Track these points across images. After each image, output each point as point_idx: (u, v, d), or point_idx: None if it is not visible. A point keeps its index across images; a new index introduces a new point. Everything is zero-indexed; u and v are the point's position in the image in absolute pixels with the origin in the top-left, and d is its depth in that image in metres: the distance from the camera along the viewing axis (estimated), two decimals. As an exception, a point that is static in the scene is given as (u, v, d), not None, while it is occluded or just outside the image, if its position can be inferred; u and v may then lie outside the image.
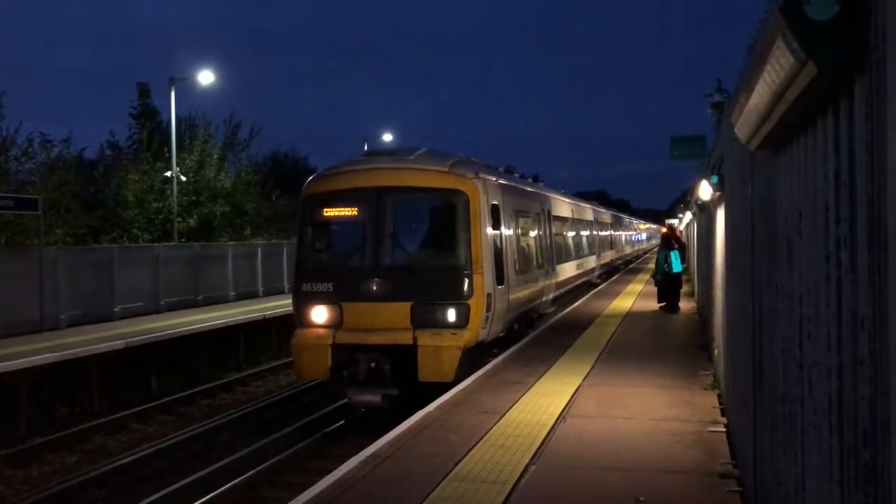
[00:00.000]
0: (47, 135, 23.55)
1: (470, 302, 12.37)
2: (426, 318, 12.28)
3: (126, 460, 11.77)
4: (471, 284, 12.43)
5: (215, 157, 31.59)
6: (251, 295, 26.70)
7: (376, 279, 12.48)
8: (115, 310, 20.51)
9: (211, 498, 9.86)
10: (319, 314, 12.69)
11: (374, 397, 12.21)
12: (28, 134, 23.02)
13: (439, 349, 11.98)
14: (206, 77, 27.78)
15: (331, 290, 12.70)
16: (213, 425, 13.82)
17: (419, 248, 13.18)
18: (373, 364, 12.35)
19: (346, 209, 13.28)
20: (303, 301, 12.91)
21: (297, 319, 13.05)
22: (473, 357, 12.69)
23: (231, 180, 31.94)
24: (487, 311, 12.71)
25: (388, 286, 12.43)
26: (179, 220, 27.87)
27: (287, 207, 33.80)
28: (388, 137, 43.04)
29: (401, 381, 12.25)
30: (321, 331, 12.60)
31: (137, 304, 21.39)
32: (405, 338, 12.13)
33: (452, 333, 12.15)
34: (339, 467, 7.43)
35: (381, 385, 12.28)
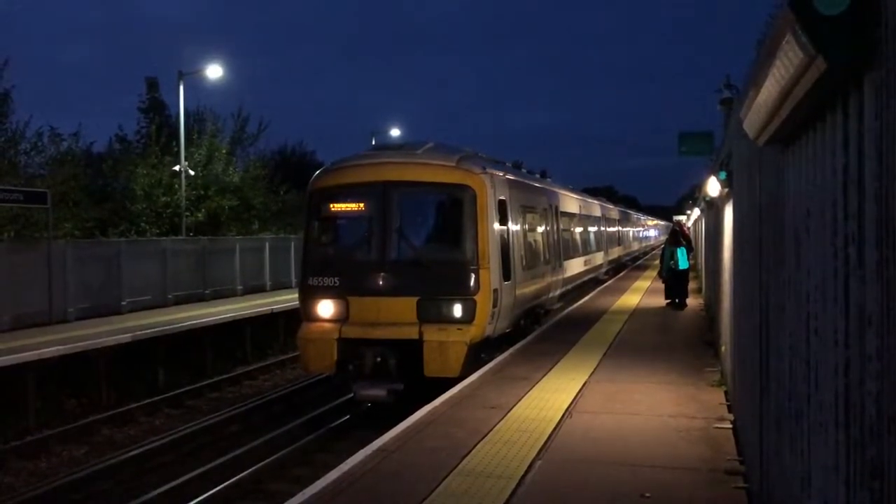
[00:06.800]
0: (56, 128, 23.67)
1: (476, 297, 12.34)
2: (432, 313, 12.25)
3: (133, 453, 11.83)
4: (477, 280, 12.40)
5: (224, 151, 31.65)
6: (259, 289, 26.76)
7: (383, 273, 12.47)
8: (123, 303, 20.59)
9: (218, 491, 9.90)
10: (325, 308, 12.69)
11: (379, 392, 12.19)
12: (37, 128, 23.15)
13: (445, 344, 11.96)
14: (214, 71, 27.74)
15: (337, 284, 12.69)
16: (220, 418, 13.87)
17: (426, 243, 13.12)
18: (378, 358, 12.33)
19: (353, 203, 13.23)
20: (309, 295, 12.91)
21: (303, 313, 13.05)
22: (479, 352, 12.69)
23: (239, 174, 31.99)
24: (494, 306, 12.68)
25: (395, 281, 12.41)
26: (187, 213, 27.92)
27: (295, 202, 33.85)
28: (395, 132, 43.02)
29: (406, 375, 12.24)
30: (327, 325, 12.59)
31: (145, 298, 21.47)
32: (411, 332, 12.11)
33: (458, 328, 12.13)
34: (347, 461, 7.45)
35: (386, 380, 12.26)
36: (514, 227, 14.43)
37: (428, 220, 13.52)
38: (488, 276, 12.50)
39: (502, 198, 13.71)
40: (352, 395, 13.00)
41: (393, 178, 12.84)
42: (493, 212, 12.93)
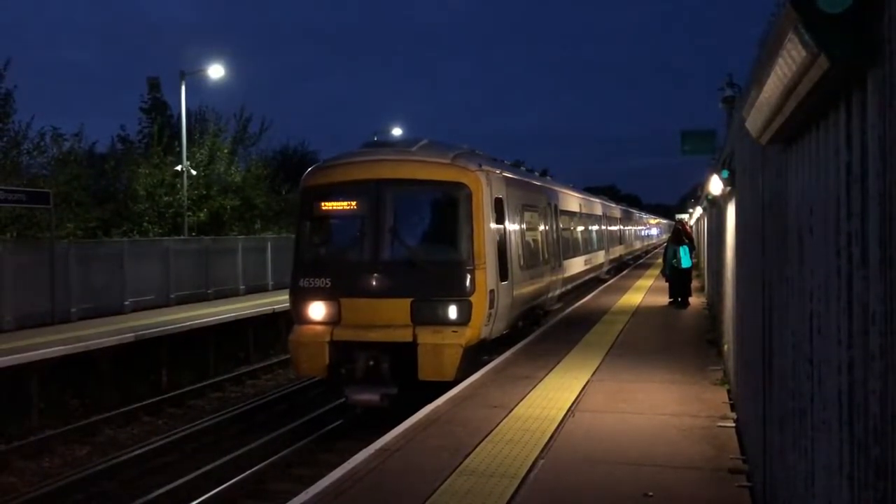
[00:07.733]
0: (59, 129, 23.68)
1: (472, 298, 12.00)
2: (427, 315, 11.91)
3: (136, 453, 11.83)
4: (473, 280, 12.07)
5: (226, 151, 31.69)
6: (261, 289, 26.76)
7: (375, 274, 12.13)
8: (126, 303, 20.61)
9: (220, 490, 9.90)
10: (317, 310, 12.35)
11: (372, 396, 11.89)
12: (40, 128, 23.15)
13: (440, 347, 11.62)
14: (216, 71, 27.77)
15: (329, 285, 12.35)
16: (223, 418, 13.87)
17: (420, 243, 12.73)
18: (371, 362, 11.98)
19: (345, 202, 12.85)
20: (300, 297, 12.58)
21: (294, 315, 12.72)
22: (475, 355, 12.42)
23: (241, 174, 32.02)
24: (490, 307, 12.38)
25: (388, 282, 12.08)
26: (190, 213, 27.95)
27: (296, 201, 33.86)
28: (397, 131, 42.97)
29: (400, 379, 11.93)
30: (319, 327, 12.27)
31: (148, 298, 21.49)
32: (405, 335, 11.77)
33: (454, 331, 11.79)
34: (349, 460, 7.45)
35: (379, 383, 11.95)
36: (511, 226, 14.21)
37: (422, 219, 13.15)
38: (484, 277, 12.21)
39: (499, 196, 13.44)
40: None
41: (386, 175, 12.53)
42: (489, 210, 12.64)
